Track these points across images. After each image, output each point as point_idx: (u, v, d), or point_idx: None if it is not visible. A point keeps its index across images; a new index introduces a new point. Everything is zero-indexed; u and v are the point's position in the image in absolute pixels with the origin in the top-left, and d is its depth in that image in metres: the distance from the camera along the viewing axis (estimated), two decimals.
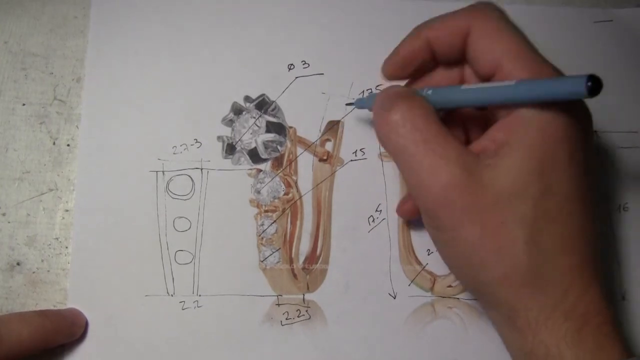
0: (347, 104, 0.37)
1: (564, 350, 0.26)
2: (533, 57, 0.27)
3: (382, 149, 0.37)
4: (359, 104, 0.35)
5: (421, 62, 0.31)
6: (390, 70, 0.32)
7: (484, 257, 0.26)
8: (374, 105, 0.30)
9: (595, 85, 0.23)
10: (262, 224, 0.36)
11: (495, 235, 0.26)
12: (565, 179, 0.26)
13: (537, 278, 0.26)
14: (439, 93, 0.29)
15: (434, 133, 0.27)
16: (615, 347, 0.26)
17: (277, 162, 0.36)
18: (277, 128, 0.37)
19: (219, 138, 0.36)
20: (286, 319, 0.35)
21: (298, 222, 0.36)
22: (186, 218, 0.35)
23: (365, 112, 0.37)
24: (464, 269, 0.28)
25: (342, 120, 0.37)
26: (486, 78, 0.29)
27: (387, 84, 0.38)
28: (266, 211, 0.36)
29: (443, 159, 0.26)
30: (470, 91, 0.28)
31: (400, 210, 0.36)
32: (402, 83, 0.34)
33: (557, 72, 0.27)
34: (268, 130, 0.37)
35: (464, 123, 0.33)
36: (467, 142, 0.31)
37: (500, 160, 0.26)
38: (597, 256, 0.27)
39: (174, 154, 0.36)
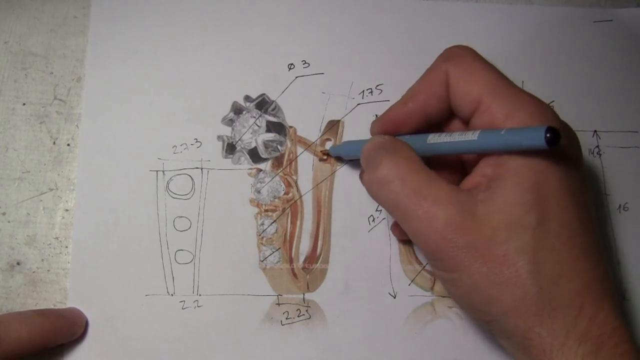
0: (322, 151, 0.37)
1: None
2: (510, 89, 0.28)
3: None
4: (335, 152, 0.36)
5: (410, 129, 0.31)
6: (377, 132, 0.32)
7: (491, 292, 0.26)
8: (361, 161, 0.31)
9: (553, 137, 0.24)
10: (262, 224, 0.36)
11: (500, 269, 0.26)
12: (559, 205, 0.27)
13: (546, 306, 0.26)
14: (409, 143, 0.30)
15: (422, 181, 0.27)
16: None
17: (277, 162, 0.36)
18: (277, 128, 0.37)
19: (219, 138, 0.36)
20: (286, 318, 0.35)
21: (298, 222, 0.36)
22: (186, 218, 0.35)
23: (366, 112, 0.37)
24: (474, 305, 0.28)
25: (342, 119, 0.37)
26: (468, 118, 0.29)
27: (387, 83, 0.38)
28: (266, 211, 0.36)
29: (435, 204, 0.27)
30: (437, 145, 0.29)
31: (394, 233, 0.36)
32: None
33: (534, 102, 0.27)
34: (268, 130, 0.37)
35: (461, 158, 0.33)
36: (465, 173, 0.32)
37: (492, 194, 0.27)
38: (605, 276, 0.27)
39: (174, 153, 0.36)
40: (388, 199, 0.28)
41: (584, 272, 0.27)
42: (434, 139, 0.29)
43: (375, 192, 0.29)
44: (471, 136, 0.27)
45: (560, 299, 0.26)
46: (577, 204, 0.27)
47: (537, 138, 0.24)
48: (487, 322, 0.28)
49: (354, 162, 0.37)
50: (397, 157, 0.29)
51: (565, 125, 0.29)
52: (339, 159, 0.37)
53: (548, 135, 0.24)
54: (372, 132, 0.33)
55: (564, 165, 0.27)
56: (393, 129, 0.32)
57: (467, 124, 0.30)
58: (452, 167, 0.32)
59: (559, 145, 0.24)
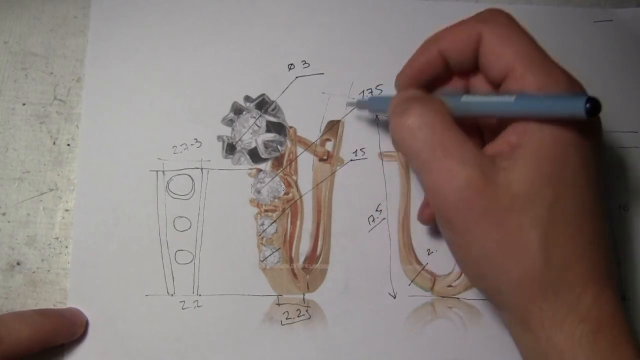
0: (348, 103, 0.37)
1: (578, 353, 0.25)
2: (544, 61, 0.28)
3: (382, 149, 0.37)
4: (361, 104, 0.36)
5: (434, 74, 0.31)
6: (404, 83, 0.32)
7: (500, 261, 0.26)
8: (389, 108, 0.30)
9: (593, 107, 0.23)
10: (262, 224, 0.36)
11: (512, 239, 0.26)
12: (577, 184, 0.26)
13: (551, 282, 0.26)
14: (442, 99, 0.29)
15: (450, 137, 0.27)
16: (629, 350, 0.26)
17: (277, 162, 0.36)
18: (277, 128, 0.37)
19: (219, 138, 0.36)
20: (286, 318, 0.35)
21: (298, 222, 0.36)
22: (186, 218, 0.35)
23: (366, 112, 0.37)
24: (480, 272, 0.28)
25: (342, 120, 0.37)
26: (498, 83, 0.29)
27: (387, 83, 0.38)
28: (266, 211, 0.36)
29: (459, 162, 0.26)
30: (470, 104, 0.28)
31: (421, 215, 0.35)
32: None
33: (568, 77, 0.27)
34: (268, 130, 0.37)
35: (479, 125, 0.33)
36: (482, 144, 0.31)
37: (514, 162, 0.26)
38: (610, 264, 0.28)
39: (174, 153, 0.36)
40: (413, 147, 0.28)
41: (591, 255, 0.27)
42: (468, 99, 0.29)
43: (401, 137, 0.28)
44: (508, 99, 0.27)
45: (566, 277, 0.26)
46: (593, 188, 0.27)
47: (577, 107, 0.24)
48: (490, 291, 0.28)
49: (354, 163, 0.37)
50: (430, 108, 0.28)
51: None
52: (364, 108, 0.36)
53: (588, 105, 0.23)
54: (399, 85, 0.33)
55: (587, 148, 0.27)
56: (417, 75, 0.31)
57: (492, 85, 0.30)
58: (471, 134, 0.32)
59: (598, 117, 0.24)
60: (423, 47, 0.31)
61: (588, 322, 0.26)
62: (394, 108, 0.29)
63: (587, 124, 0.26)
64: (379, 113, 0.36)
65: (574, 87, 0.27)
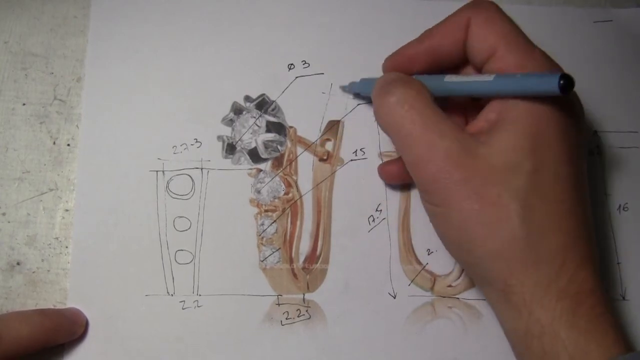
0: (340, 87, 0.37)
1: (558, 329, 0.26)
2: (525, 42, 0.29)
3: (382, 149, 0.37)
4: (352, 88, 0.36)
5: (421, 69, 0.32)
6: (389, 68, 0.34)
7: (479, 231, 0.27)
8: (373, 88, 0.31)
9: (567, 83, 0.25)
10: (262, 224, 0.36)
11: (492, 209, 0.27)
12: (556, 158, 0.27)
13: (531, 254, 0.26)
14: (424, 81, 0.31)
15: (429, 113, 0.28)
16: (608, 330, 0.26)
17: (277, 162, 0.36)
18: (277, 128, 0.37)
19: (219, 138, 0.36)
20: (286, 318, 0.35)
21: (298, 222, 0.36)
22: (186, 218, 0.35)
23: (366, 112, 0.37)
24: (460, 244, 0.29)
25: (342, 120, 0.37)
26: (482, 65, 0.30)
27: None
28: (266, 211, 0.36)
29: (439, 135, 0.28)
30: (452, 83, 0.30)
31: (382, 170, 0.36)
32: None
33: (546, 57, 0.29)
34: (268, 130, 0.37)
35: (465, 109, 0.33)
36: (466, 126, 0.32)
37: (493, 137, 0.27)
38: (590, 238, 0.28)
39: (174, 153, 0.36)
40: (395, 123, 0.29)
41: (570, 228, 0.27)
42: (450, 79, 0.30)
43: (384, 115, 0.30)
44: (487, 78, 0.28)
45: (545, 249, 0.27)
46: (573, 162, 0.28)
47: (551, 83, 0.25)
48: (471, 264, 0.29)
49: (354, 163, 0.37)
50: (410, 88, 0.29)
51: (575, 94, 0.30)
52: (358, 95, 0.37)
53: (562, 81, 0.24)
54: (385, 68, 0.34)
55: (566, 122, 0.28)
56: (405, 64, 0.32)
57: (479, 71, 0.31)
58: (455, 118, 0.33)
59: (571, 93, 0.25)
60: (417, 39, 0.32)
61: (567, 299, 0.26)
62: (378, 89, 0.31)
63: (563, 101, 0.27)
64: (366, 94, 0.36)
65: (552, 66, 0.28)
